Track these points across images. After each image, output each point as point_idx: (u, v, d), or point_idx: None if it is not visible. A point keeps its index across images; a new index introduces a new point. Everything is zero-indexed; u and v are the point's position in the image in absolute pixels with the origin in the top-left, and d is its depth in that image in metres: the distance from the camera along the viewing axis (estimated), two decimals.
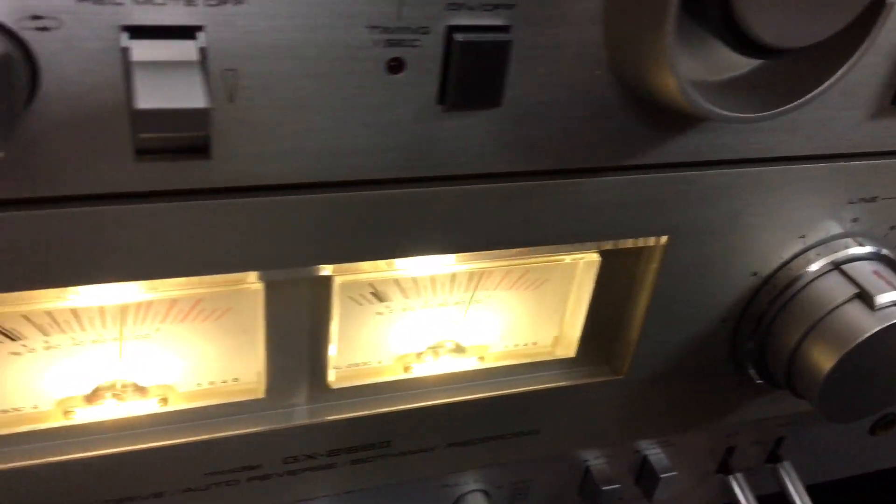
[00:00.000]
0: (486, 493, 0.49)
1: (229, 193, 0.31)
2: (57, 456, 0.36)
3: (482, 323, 0.43)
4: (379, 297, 0.40)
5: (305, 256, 0.34)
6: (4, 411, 0.37)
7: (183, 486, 0.38)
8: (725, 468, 0.56)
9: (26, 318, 0.35)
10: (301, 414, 0.40)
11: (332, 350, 0.39)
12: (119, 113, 0.27)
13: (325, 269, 0.36)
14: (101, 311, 0.36)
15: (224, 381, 0.40)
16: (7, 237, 0.29)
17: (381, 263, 0.38)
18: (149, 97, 0.24)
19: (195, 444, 0.38)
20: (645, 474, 0.52)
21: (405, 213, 0.34)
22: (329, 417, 0.40)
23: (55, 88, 0.26)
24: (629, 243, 0.40)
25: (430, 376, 0.43)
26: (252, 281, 0.36)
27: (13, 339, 0.35)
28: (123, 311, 0.36)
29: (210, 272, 0.33)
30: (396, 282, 0.40)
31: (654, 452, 0.52)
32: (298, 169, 0.31)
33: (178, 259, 0.32)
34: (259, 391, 0.39)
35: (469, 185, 0.34)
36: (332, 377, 0.40)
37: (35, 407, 0.37)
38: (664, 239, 0.39)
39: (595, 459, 0.51)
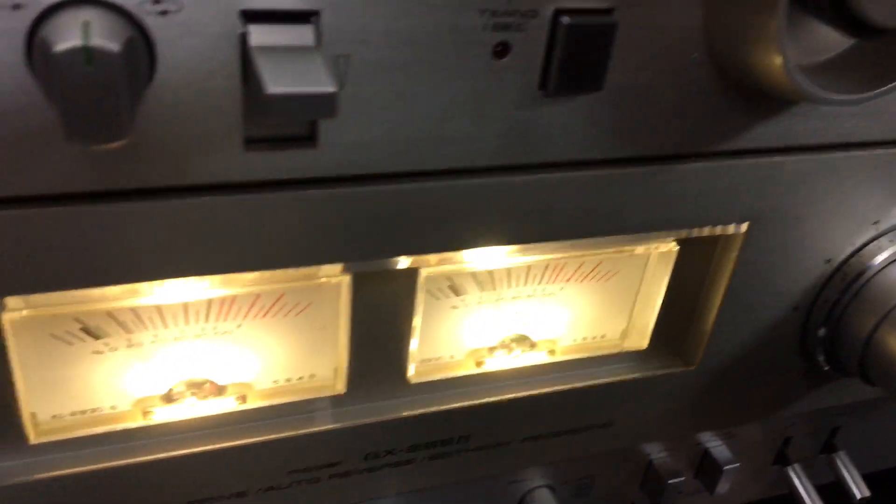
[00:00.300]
0: (551, 488, 0.48)
1: (331, 183, 0.30)
2: (138, 457, 0.36)
3: (552, 316, 0.43)
4: (455, 290, 0.40)
5: (396, 247, 0.34)
6: (83, 412, 0.36)
7: (265, 484, 0.38)
8: (782, 459, 0.55)
9: (111, 315, 0.34)
10: (381, 410, 0.39)
11: (414, 345, 0.39)
12: (232, 100, 0.27)
13: (411, 262, 0.36)
14: (186, 307, 0.35)
15: (300, 378, 0.39)
16: (111, 229, 0.28)
17: (459, 255, 0.37)
18: (277, 81, 0.24)
19: (278, 441, 0.37)
20: (706, 467, 0.52)
21: (496, 203, 0.33)
22: (408, 413, 0.39)
23: (171, 75, 0.26)
24: (708, 231, 0.39)
25: (501, 370, 0.42)
26: (336, 274, 0.35)
27: (96, 338, 0.34)
28: (208, 306, 0.35)
29: (301, 264, 0.33)
30: (473, 275, 0.39)
31: (716, 445, 0.52)
32: (399, 157, 0.31)
33: (273, 250, 0.32)
34: (338, 387, 0.39)
35: (560, 174, 0.34)
36: (411, 372, 0.40)
37: (113, 407, 0.36)
38: (745, 226, 0.39)
39: (658, 454, 0.50)
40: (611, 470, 0.50)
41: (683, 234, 0.39)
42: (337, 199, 0.31)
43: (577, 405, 0.43)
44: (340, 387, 0.38)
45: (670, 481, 0.49)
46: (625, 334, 0.45)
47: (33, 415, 0.34)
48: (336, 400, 0.38)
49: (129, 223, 0.28)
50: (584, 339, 0.45)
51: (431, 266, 0.36)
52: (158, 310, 0.35)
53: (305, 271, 0.35)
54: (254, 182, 0.29)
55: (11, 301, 0.31)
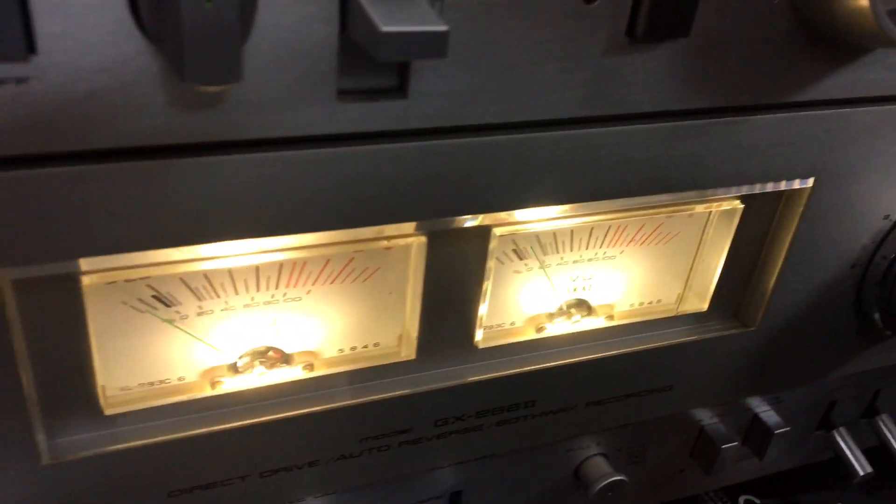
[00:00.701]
0: (606, 456, 0.48)
1: (419, 136, 0.30)
2: (209, 426, 0.35)
3: (611, 282, 0.43)
4: (519, 254, 0.39)
5: (475, 204, 0.33)
6: (150, 383, 0.35)
7: (337, 453, 0.37)
8: (826, 424, 0.55)
9: (183, 281, 0.33)
10: (450, 375, 0.38)
11: (483, 309, 0.38)
12: (329, 47, 0.26)
13: (486, 220, 0.35)
14: (257, 271, 0.34)
15: (365, 347, 0.38)
16: (196, 184, 0.28)
17: (526, 215, 0.37)
18: (389, 21, 0.23)
19: (350, 408, 0.36)
20: (756, 432, 0.52)
21: (578, 156, 0.33)
22: (476, 378, 0.39)
23: (270, 19, 0.25)
24: (772, 187, 0.39)
25: (563, 335, 0.42)
26: (410, 234, 0.35)
27: (167, 306, 0.34)
28: (279, 270, 0.34)
29: (380, 222, 0.32)
30: (537, 237, 0.39)
31: (764, 410, 0.52)
32: (487, 108, 0.30)
33: (353, 208, 0.31)
34: (405, 354, 0.38)
35: (640, 126, 0.33)
36: (479, 337, 0.39)
37: (181, 378, 0.36)
38: (811, 181, 0.39)
39: (709, 420, 0.50)
40: (663, 438, 0.49)
41: (755, 188, 0.39)
42: (423, 152, 0.30)
43: (638, 369, 0.43)
44: (409, 353, 0.38)
45: (724, 446, 0.49)
46: (681, 299, 0.45)
47: (102, 387, 0.34)
48: (407, 366, 0.38)
49: (215, 177, 0.28)
50: (641, 304, 0.44)
51: (504, 226, 0.36)
52: (230, 275, 0.34)
53: (378, 233, 0.34)
54: (344, 134, 0.28)
55: (86, 263, 0.30)
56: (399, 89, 0.28)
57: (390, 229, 0.34)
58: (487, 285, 0.37)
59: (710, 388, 0.45)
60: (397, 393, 0.37)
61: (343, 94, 0.27)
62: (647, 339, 0.43)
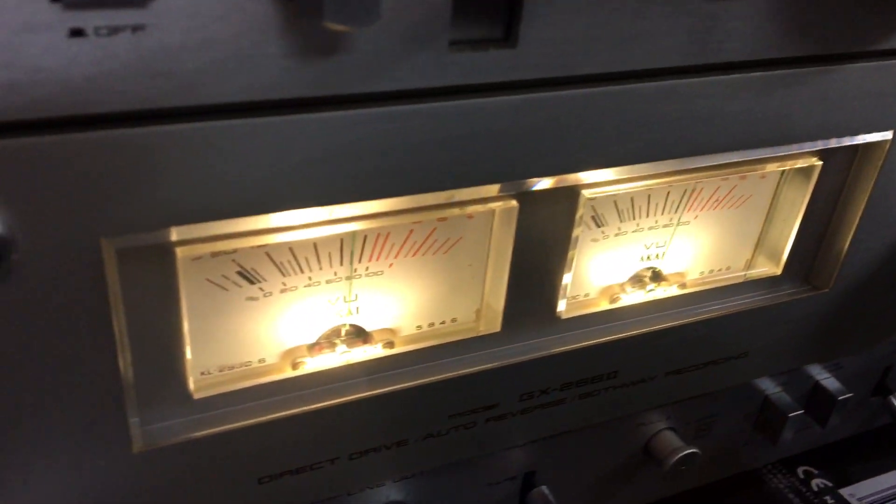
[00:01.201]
0: (674, 430, 0.47)
1: (527, 88, 0.28)
2: (293, 409, 0.33)
3: (683, 249, 0.42)
4: (597, 221, 0.38)
5: (571, 160, 0.32)
6: (231, 367, 0.33)
7: (425, 432, 0.36)
8: (882, 390, 0.55)
9: (269, 255, 0.32)
10: (535, 347, 0.37)
11: (567, 279, 0.37)
12: None
13: (578, 180, 0.34)
14: (341, 243, 0.33)
15: (443, 323, 0.37)
16: (302, 144, 0.26)
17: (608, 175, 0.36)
18: None
19: (436, 385, 0.35)
20: (818, 401, 0.51)
21: (673, 108, 0.32)
22: (559, 349, 0.37)
23: None
24: (848, 140, 0.38)
25: (639, 304, 0.41)
26: (500, 198, 0.33)
27: (251, 282, 0.32)
28: (363, 242, 0.33)
29: (474, 183, 0.31)
30: (615, 203, 0.38)
31: (825, 377, 0.51)
32: (593, 58, 0.29)
33: (448, 167, 0.30)
34: (488, 326, 0.37)
35: (735, 75, 0.32)
36: (562, 308, 0.38)
37: (262, 361, 0.34)
38: (889, 134, 0.38)
39: (774, 390, 0.49)
40: (729, 410, 0.49)
41: (834, 142, 0.38)
42: (529, 104, 0.29)
43: (715, 336, 0.42)
44: (492, 326, 0.36)
45: (791, 415, 0.48)
46: (749, 264, 0.44)
47: (192, 370, 0.32)
48: (492, 339, 0.36)
49: (321, 134, 0.26)
50: (711, 271, 0.43)
51: (592, 188, 0.35)
52: (315, 248, 0.32)
53: (463, 197, 0.33)
54: (454, 87, 0.27)
55: (179, 232, 0.28)
56: (507, 39, 0.27)
57: (472, 194, 0.33)
58: (573, 253, 0.36)
59: (783, 353, 0.44)
60: (485, 367, 0.36)
61: (454, 44, 0.26)
62: (721, 307, 0.42)
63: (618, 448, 0.46)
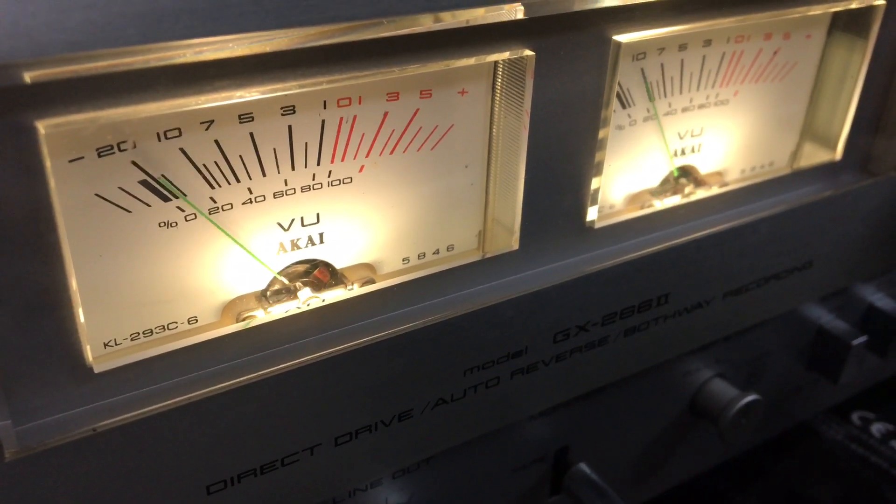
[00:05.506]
0: (724, 376, 0.38)
1: None
2: (250, 374, 0.23)
3: (721, 139, 0.33)
4: (623, 100, 0.29)
5: None
6: (148, 332, 0.23)
7: (435, 395, 0.26)
8: None
9: (185, 152, 0.22)
10: (564, 268, 0.28)
11: (595, 183, 0.28)
12: None
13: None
14: (289, 129, 0.23)
15: (436, 252, 0.27)
16: None
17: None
18: None
19: (446, 327, 0.25)
20: (873, 328, 0.43)
21: None
22: (595, 268, 0.28)
23: None
24: None
25: (677, 209, 0.32)
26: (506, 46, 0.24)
27: (165, 198, 0.22)
28: (323, 126, 0.23)
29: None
30: (642, 71, 0.29)
31: (879, 297, 0.43)
32: None
33: None
34: (503, 245, 0.27)
35: None
36: (593, 216, 0.28)
37: (193, 320, 0.24)
38: None
39: (826, 318, 0.41)
40: (780, 347, 0.40)
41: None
42: None
43: (772, 241, 0.33)
44: (507, 244, 0.27)
45: (854, 343, 0.40)
46: (795, 157, 0.35)
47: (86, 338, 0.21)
48: (509, 259, 0.27)
49: None
50: (753, 168, 0.35)
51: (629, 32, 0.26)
52: (252, 139, 0.22)
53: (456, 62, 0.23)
54: None
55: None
56: None
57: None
58: (605, 132, 0.27)
59: (851, 259, 0.36)
60: (503, 297, 0.26)
61: None
62: (773, 204, 0.34)
63: (662, 407, 0.36)
